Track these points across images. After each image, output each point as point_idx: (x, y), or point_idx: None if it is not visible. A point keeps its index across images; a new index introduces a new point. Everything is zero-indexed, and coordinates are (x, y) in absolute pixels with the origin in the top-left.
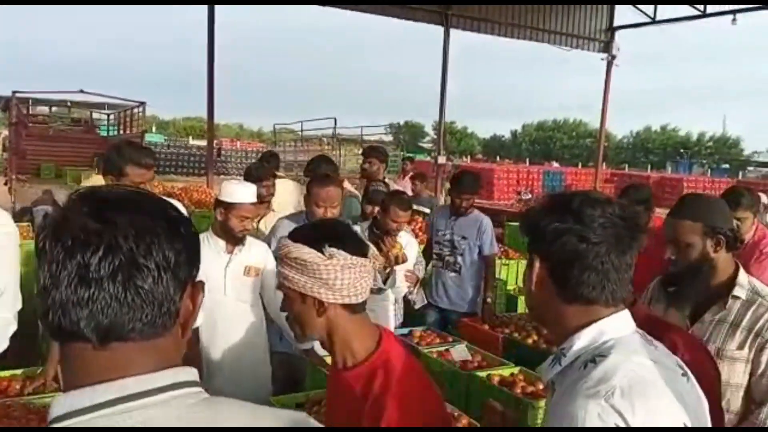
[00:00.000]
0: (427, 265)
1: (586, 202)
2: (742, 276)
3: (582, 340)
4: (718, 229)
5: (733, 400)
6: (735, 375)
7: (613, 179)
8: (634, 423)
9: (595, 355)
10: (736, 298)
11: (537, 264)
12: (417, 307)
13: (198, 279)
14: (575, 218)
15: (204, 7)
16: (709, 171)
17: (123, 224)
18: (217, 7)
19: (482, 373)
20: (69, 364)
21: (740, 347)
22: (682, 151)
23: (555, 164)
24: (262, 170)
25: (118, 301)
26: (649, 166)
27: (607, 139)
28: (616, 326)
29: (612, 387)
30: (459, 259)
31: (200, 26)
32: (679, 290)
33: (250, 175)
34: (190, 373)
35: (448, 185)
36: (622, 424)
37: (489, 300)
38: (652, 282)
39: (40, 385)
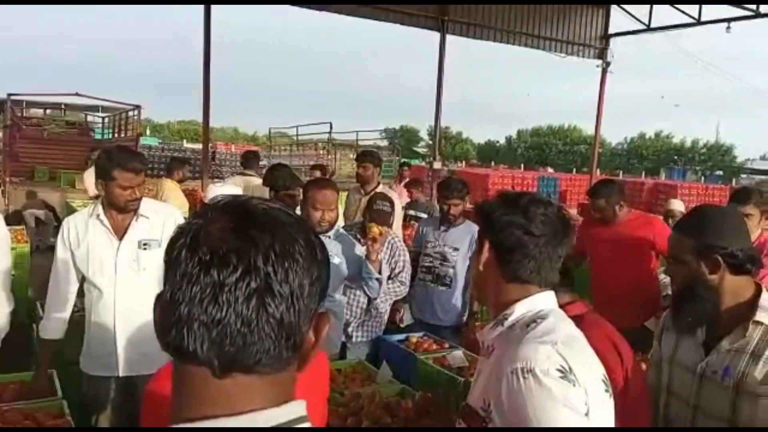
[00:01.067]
0: (412, 280)
1: (532, 202)
2: (766, 299)
3: (520, 309)
4: (717, 249)
5: None
6: (760, 413)
7: None
8: (573, 365)
9: (536, 318)
10: (758, 324)
11: (486, 248)
12: (403, 325)
13: (322, 311)
14: (522, 213)
15: (200, 9)
16: (703, 178)
17: (264, 245)
18: (213, 9)
19: None
20: (183, 388)
21: (765, 381)
22: (676, 157)
23: (550, 170)
24: (290, 180)
25: (248, 327)
26: (644, 173)
27: (601, 145)
28: (547, 301)
29: (555, 338)
30: (450, 271)
31: (196, 29)
32: (674, 313)
33: (276, 184)
34: (303, 406)
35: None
36: (564, 365)
37: (475, 311)
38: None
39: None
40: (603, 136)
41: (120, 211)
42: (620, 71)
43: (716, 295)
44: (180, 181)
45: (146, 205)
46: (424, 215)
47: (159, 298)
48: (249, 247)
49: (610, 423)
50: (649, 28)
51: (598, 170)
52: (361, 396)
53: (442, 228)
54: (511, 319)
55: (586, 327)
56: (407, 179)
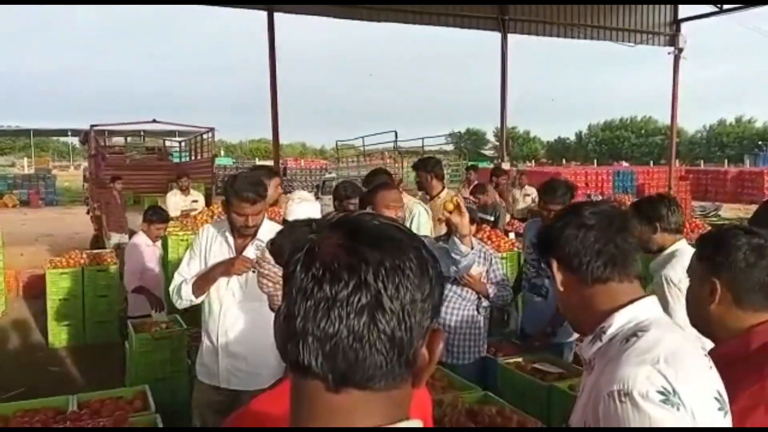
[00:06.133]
0: (516, 295)
1: (584, 204)
2: None
3: (619, 320)
4: None
5: None
6: None
7: (688, 176)
8: (677, 385)
9: (636, 331)
10: None
11: (555, 267)
12: (507, 329)
13: (435, 327)
14: (572, 213)
15: (264, 32)
16: None
17: (375, 261)
18: (277, 29)
19: (562, 384)
20: (300, 402)
21: None
22: (760, 143)
23: (625, 164)
24: (350, 189)
25: (359, 343)
26: (726, 161)
27: (678, 135)
28: (649, 308)
29: (657, 355)
30: (546, 281)
31: (261, 51)
32: None
33: (338, 195)
34: (419, 425)
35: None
36: (667, 387)
37: (549, 331)
38: None
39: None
40: (679, 125)
41: (238, 234)
42: (694, 56)
43: None
44: None
45: (266, 228)
46: (490, 218)
47: (278, 313)
48: (360, 263)
49: None
50: (721, 10)
51: (677, 161)
52: (443, 403)
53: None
54: (610, 331)
55: None
56: (475, 182)
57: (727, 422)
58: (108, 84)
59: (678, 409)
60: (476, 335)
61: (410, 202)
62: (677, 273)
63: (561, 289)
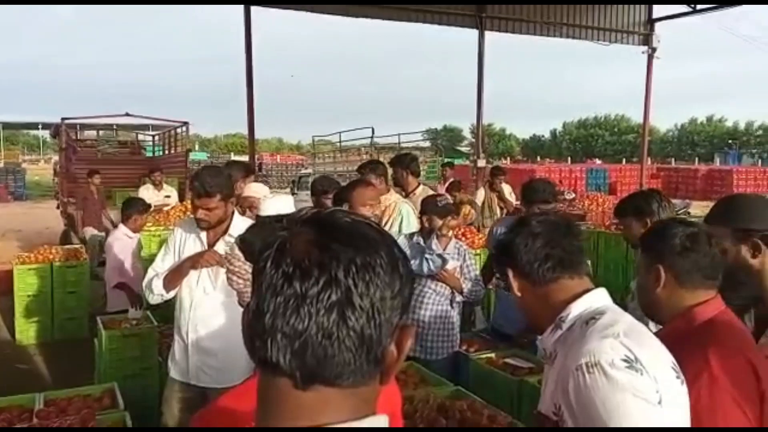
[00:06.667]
0: (487, 284)
1: (531, 215)
2: None
3: (576, 309)
4: (754, 232)
5: None
6: None
7: (659, 174)
8: (638, 354)
9: (594, 315)
10: None
11: (511, 275)
12: (477, 328)
13: (406, 324)
14: (520, 225)
15: (241, 24)
16: (760, 161)
17: (345, 258)
18: (254, 25)
19: (533, 379)
20: (267, 399)
21: None
22: (730, 141)
23: (598, 161)
24: (327, 184)
25: (328, 340)
26: (697, 159)
27: (650, 134)
28: (602, 298)
29: (617, 330)
30: None
31: (237, 43)
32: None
33: (315, 190)
34: (385, 421)
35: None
36: (630, 355)
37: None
38: None
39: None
40: (652, 123)
41: (208, 229)
42: (668, 56)
43: (760, 279)
44: None
45: (238, 225)
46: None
47: (246, 309)
48: (331, 260)
49: (685, 411)
50: (695, 11)
51: (649, 159)
52: (415, 399)
53: None
54: (569, 320)
55: (714, 339)
56: (451, 180)
57: (684, 390)
58: (80, 76)
59: (642, 374)
60: (449, 330)
61: (399, 201)
62: None
63: (518, 294)
